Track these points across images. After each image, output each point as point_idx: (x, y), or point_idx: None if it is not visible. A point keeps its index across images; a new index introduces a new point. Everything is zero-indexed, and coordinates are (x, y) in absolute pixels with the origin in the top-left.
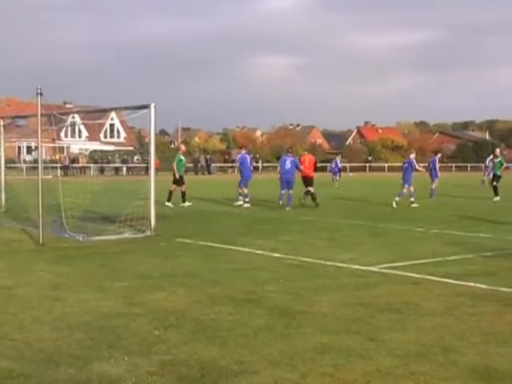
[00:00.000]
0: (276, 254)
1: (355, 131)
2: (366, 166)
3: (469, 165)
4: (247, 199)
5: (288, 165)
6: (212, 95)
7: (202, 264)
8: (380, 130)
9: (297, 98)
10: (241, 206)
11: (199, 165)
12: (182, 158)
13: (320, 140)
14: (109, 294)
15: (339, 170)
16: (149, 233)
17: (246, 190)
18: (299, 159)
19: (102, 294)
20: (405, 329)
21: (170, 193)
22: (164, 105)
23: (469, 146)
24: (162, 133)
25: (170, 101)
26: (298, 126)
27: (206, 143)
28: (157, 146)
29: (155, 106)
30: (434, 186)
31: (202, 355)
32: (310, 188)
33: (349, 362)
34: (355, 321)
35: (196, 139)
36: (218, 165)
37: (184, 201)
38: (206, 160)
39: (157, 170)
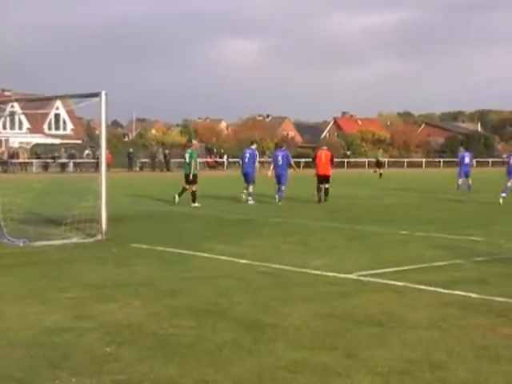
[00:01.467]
0: (243, 261)
1: (332, 123)
2: (344, 162)
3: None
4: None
5: (279, 160)
6: (171, 83)
7: (160, 272)
8: (359, 122)
9: (266, 86)
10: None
11: (157, 160)
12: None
13: (292, 132)
14: (54, 307)
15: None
16: (99, 237)
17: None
18: (315, 156)
19: (47, 306)
20: (387, 343)
21: (193, 193)
22: (117, 93)
23: (459, 138)
24: (114, 124)
25: (123, 89)
26: (267, 116)
27: (165, 136)
28: (108, 140)
29: (106, 94)
30: (470, 182)
31: (159, 374)
32: (326, 185)
33: (324, 381)
34: (331, 335)
35: (153, 131)
36: (178, 160)
37: (194, 200)
38: (165, 155)
39: (108, 165)
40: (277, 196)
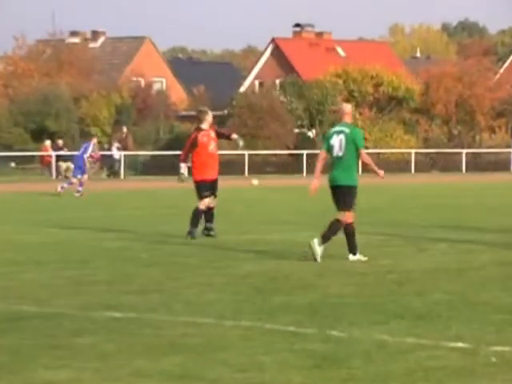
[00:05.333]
0: None
1: (268, 51)
2: (301, 156)
3: None
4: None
5: None
6: None
7: None
8: (340, 50)
9: None
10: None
11: None
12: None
13: (161, 80)
14: None
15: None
16: None
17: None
18: (192, 139)
19: None
20: None
21: (349, 230)
22: None
23: None
24: None
25: None
26: (94, 38)
27: None
28: None
29: None
30: None
31: None
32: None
33: None
34: None
35: None
36: None
37: (355, 249)
38: None
39: None
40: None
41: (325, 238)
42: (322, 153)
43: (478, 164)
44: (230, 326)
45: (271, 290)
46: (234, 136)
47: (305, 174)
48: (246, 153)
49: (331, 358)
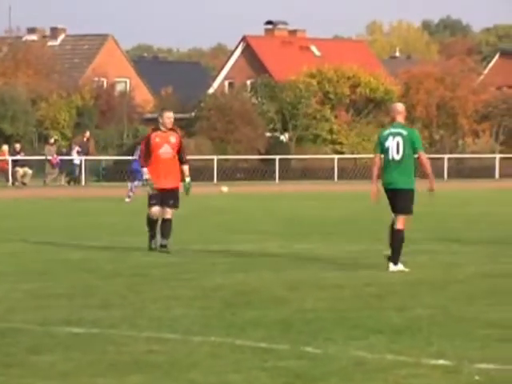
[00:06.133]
0: None
1: (238, 50)
2: (273, 161)
3: None
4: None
5: None
6: None
7: None
8: (315, 49)
9: None
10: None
11: None
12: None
13: (127, 80)
14: None
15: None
16: None
17: None
18: (145, 140)
19: None
20: None
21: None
22: None
23: None
24: None
25: None
26: (54, 34)
27: None
28: None
29: None
30: None
31: None
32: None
33: None
34: None
35: None
36: None
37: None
38: None
39: None
40: None
41: (395, 256)
42: (377, 157)
43: (460, 170)
44: (197, 342)
45: (241, 304)
46: (185, 170)
47: (277, 180)
48: (215, 158)
49: (306, 375)
